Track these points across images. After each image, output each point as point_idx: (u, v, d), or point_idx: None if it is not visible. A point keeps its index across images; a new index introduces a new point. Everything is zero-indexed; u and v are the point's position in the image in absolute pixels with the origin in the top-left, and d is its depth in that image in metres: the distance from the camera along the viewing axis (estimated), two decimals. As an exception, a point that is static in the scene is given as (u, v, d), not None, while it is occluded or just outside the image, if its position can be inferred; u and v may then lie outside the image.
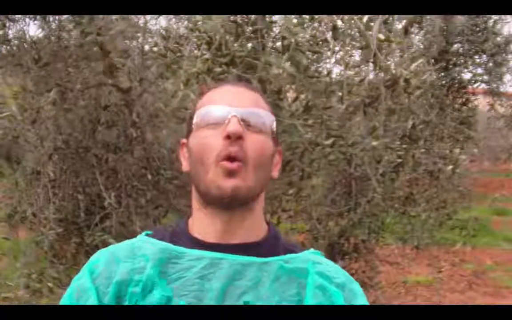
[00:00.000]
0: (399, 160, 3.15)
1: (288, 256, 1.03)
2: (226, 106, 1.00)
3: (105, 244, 3.07)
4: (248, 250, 1.01)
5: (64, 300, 1.02)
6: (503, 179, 11.32)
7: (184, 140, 1.09)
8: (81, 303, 0.99)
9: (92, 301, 0.99)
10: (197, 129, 1.03)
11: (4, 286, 3.53)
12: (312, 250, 1.08)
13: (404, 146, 3.25)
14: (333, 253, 3.93)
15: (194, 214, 1.06)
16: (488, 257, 7.47)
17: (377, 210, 3.86)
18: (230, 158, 0.97)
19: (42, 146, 3.35)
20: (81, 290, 1.01)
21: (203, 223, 1.03)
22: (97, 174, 3.44)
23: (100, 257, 1.05)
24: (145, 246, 1.03)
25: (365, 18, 2.20)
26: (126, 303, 0.98)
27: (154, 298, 0.97)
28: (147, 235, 1.08)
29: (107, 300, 0.99)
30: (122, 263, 1.01)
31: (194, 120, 1.04)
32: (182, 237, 1.04)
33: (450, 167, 3.77)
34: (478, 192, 8.02)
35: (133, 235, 3.39)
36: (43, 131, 3.34)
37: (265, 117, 1.03)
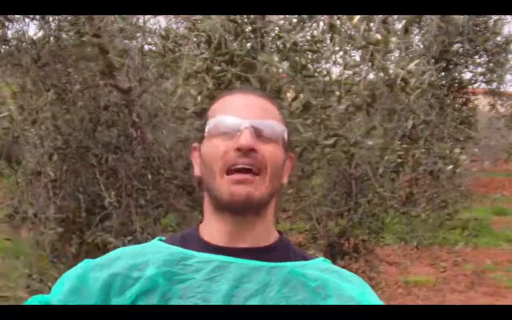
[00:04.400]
0: (399, 160, 3.15)
1: (299, 262, 1.03)
2: (239, 117, 1.01)
3: (106, 244, 3.07)
4: (258, 254, 1.01)
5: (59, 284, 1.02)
6: (503, 179, 11.31)
7: (195, 144, 1.10)
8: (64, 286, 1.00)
9: (70, 280, 1.00)
10: (209, 137, 1.04)
11: (4, 286, 3.53)
12: (322, 258, 1.09)
13: (404, 146, 3.25)
14: (333, 253, 3.93)
15: (205, 218, 1.07)
16: (488, 257, 7.47)
17: (377, 210, 3.86)
18: (239, 169, 0.99)
19: (42, 146, 3.35)
20: (70, 275, 1.03)
21: (213, 227, 1.04)
22: (97, 174, 3.44)
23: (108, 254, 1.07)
24: (154, 249, 1.04)
25: (363, 18, 2.19)
26: (118, 297, 0.98)
27: (152, 300, 0.96)
28: (160, 240, 1.09)
29: (98, 286, 0.98)
30: (124, 259, 1.02)
31: (207, 128, 1.05)
32: (192, 240, 1.05)
33: (451, 167, 3.77)
34: (478, 192, 8.01)
35: (133, 234, 3.37)
36: (43, 131, 3.34)
37: (276, 127, 1.04)
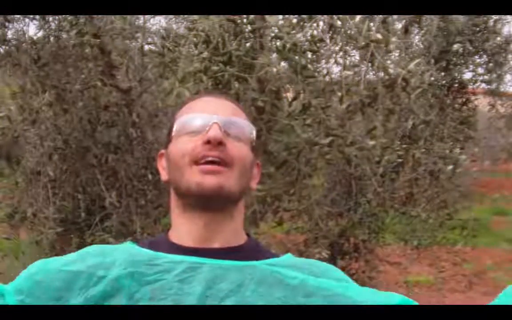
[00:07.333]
0: (399, 160, 3.15)
1: (272, 260, 1.01)
2: (207, 114, 1.00)
3: (106, 244, 3.07)
4: (229, 255, 0.99)
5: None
6: (503, 179, 11.31)
7: (162, 151, 1.08)
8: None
9: (30, 270, 0.99)
10: (177, 137, 1.02)
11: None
12: (289, 254, 1.07)
13: (404, 146, 3.25)
14: (334, 252, 3.94)
15: (173, 223, 1.05)
16: (488, 257, 7.47)
17: (377, 210, 3.87)
18: (209, 162, 0.97)
19: (42, 146, 3.36)
20: (31, 266, 1.01)
21: (182, 230, 1.02)
22: (97, 174, 3.44)
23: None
24: (122, 249, 1.01)
25: (363, 18, 2.19)
26: (79, 296, 0.94)
27: (119, 302, 0.93)
28: (131, 243, 1.06)
29: (59, 280, 0.96)
30: (90, 258, 0.98)
31: (174, 129, 1.03)
32: (161, 244, 1.02)
33: (450, 167, 3.77)
34: (478, 192, 8.02)
35: (133, 234, 3.36)
36: (43, 131, 3.34)
37: (245, 126, 1.03)
